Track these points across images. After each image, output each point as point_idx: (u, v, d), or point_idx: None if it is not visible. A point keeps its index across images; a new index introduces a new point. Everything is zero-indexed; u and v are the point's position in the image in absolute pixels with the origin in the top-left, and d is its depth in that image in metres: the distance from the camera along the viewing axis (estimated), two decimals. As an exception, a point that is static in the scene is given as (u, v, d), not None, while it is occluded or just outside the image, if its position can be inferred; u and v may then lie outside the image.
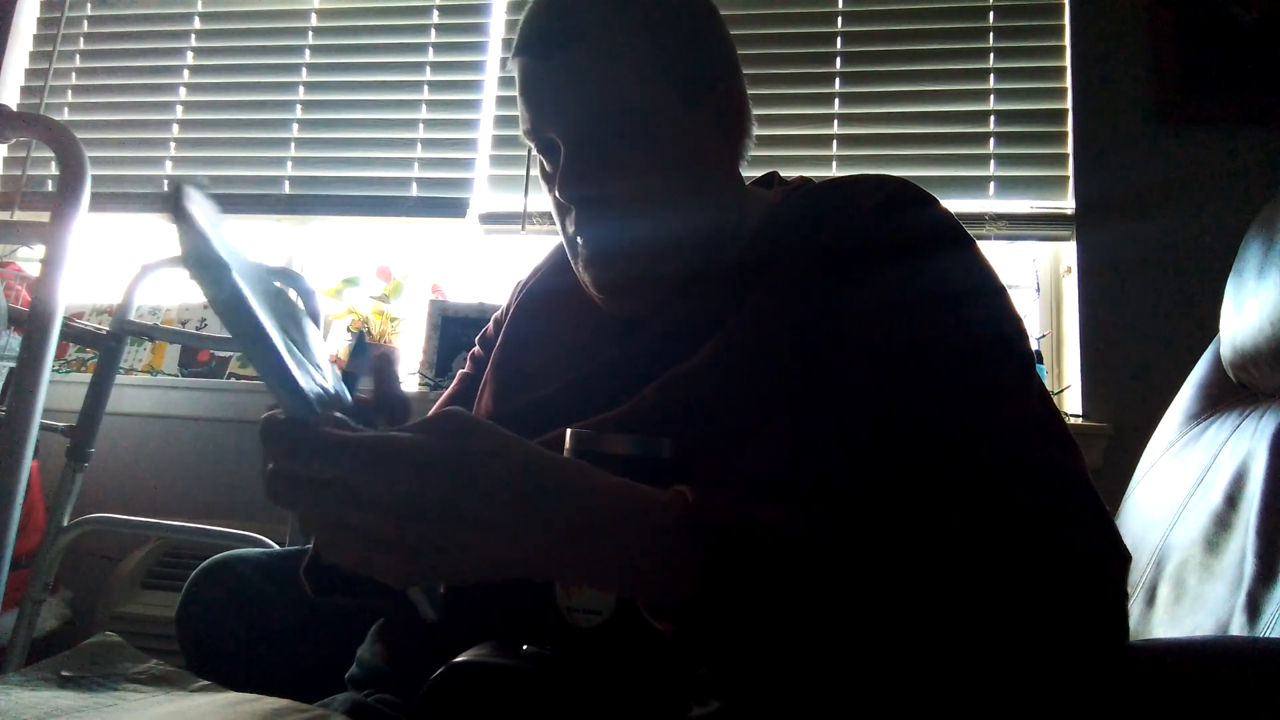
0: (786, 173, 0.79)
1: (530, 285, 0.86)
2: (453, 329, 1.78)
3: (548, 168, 0.70)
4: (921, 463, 0.53)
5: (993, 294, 0.61)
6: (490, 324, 0.86)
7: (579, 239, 0.69)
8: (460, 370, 0.87)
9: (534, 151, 0.71)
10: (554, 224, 0.73)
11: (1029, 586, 0.46)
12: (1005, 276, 0.63)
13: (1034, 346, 1.56)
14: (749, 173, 0.81)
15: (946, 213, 0.64)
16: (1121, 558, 0.51)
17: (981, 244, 0.63)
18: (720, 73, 0.71)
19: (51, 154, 1.40)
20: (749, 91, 0.74)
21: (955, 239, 0.62)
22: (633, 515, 0.43)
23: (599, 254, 0.69)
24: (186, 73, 2.06)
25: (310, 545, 0.68)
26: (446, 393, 0.86)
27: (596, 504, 0.43)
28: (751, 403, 0.59)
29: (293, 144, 1.97)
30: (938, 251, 0.61)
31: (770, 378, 0.59)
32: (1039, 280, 1.73)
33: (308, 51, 2.01)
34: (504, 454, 0.42)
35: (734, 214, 0.71)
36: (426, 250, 1.99)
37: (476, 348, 0.86)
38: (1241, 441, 0.81)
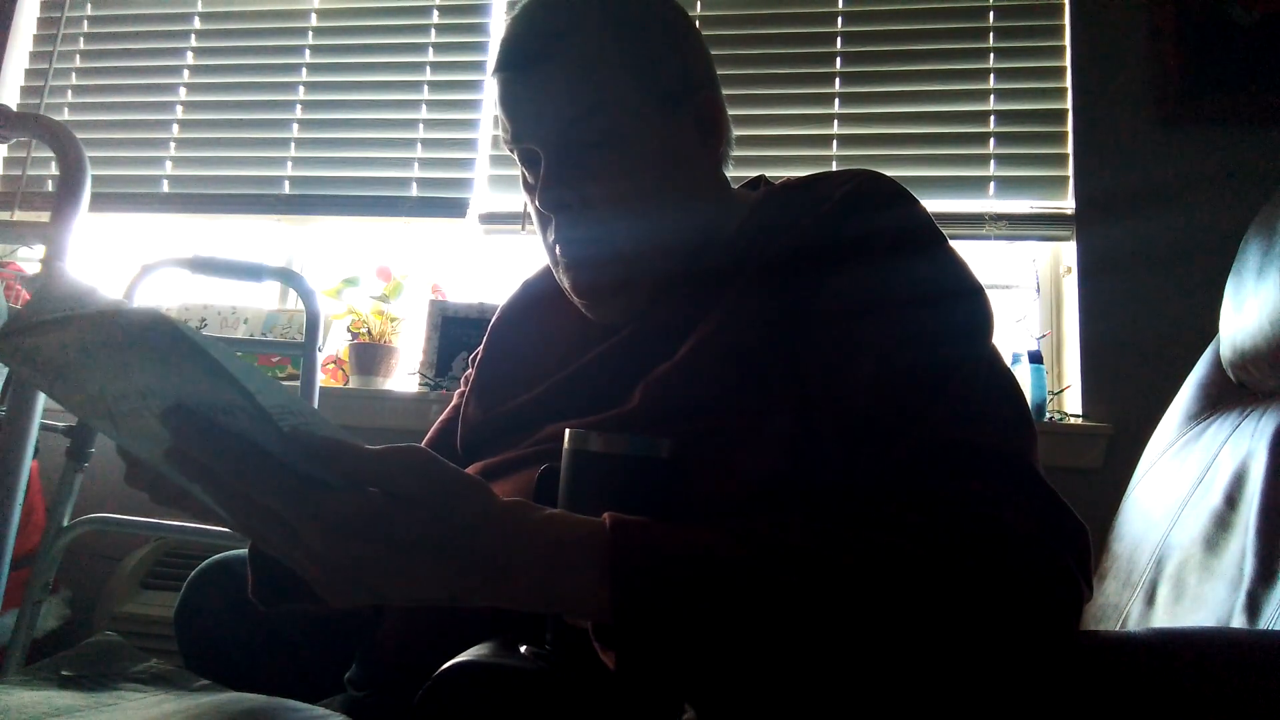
0: (788, 173, 0.79)
1: (508, 305, 0.87)
2: (453, 329, 1.78)
3: (529, 178, 0.71)
4: (859, 461, 0.54)
5: (952, 293, 0.61)
6: (480, 348, 0.87)
7: (558, 246, 0.70)
8: (457, 390, 0.88)
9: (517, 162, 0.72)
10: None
11: (961, 578, 0.47)
12: (983, 272, 0.63)
13: (1035, 346, 1.57)
14: (745, 174, 0.81)
15: (914, 208, 0.64)
16: (1072, 531, 0.51)
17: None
18: (697, 82, 0.71)
19: (51, 154, 1.40)
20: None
21: (917, 235, 0.62)
22: (556, 556, 0.44)
23: (579, 259, 0.70)
24: (186, 73, 2.06)
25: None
26: (442, 416, 0.86)
27: (523, 544, 0.44)
28: (731, 402, 0.59)
29: (293, 144, 1.97)
30: (898, 249, 0.61)
31: (747, 376, 0.60)
32: (1039, 280, 1.73)
33: (308, 52, 2.01)
34: (456, 495, 0.43)
35: (715, 218, 0.72)
36: (426, 250, 1.99)
37: (469, 369, 0.86)
38: (1241, 441, 0.81)
